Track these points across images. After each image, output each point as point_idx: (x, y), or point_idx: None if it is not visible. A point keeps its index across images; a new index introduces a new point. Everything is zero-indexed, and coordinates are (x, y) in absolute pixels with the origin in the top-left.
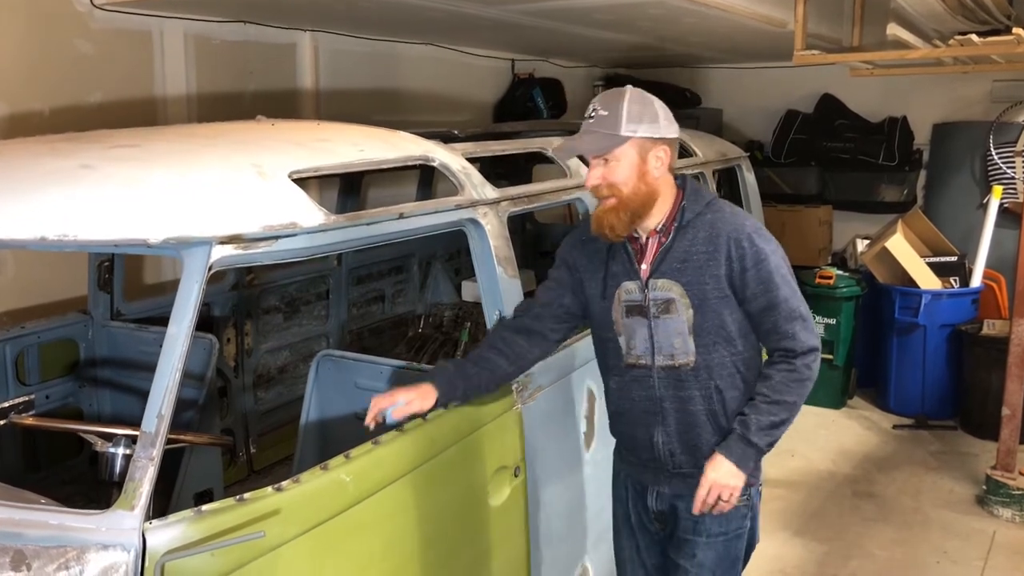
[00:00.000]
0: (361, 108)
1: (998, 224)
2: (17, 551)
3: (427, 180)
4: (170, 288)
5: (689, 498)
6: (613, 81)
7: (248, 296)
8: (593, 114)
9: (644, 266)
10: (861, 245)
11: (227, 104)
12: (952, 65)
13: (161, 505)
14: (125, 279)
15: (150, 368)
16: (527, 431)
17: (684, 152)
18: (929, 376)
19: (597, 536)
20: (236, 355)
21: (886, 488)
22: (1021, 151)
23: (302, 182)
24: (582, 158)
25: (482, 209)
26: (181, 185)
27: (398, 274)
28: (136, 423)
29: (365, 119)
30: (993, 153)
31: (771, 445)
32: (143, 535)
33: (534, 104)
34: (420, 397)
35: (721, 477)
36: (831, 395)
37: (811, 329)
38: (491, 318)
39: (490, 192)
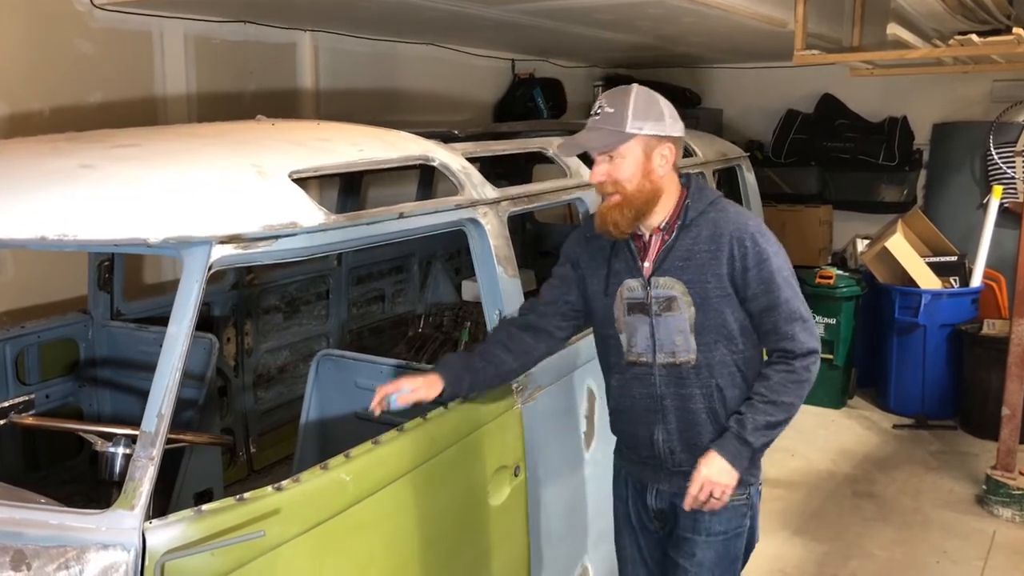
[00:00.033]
0: (361, 108)
1: (998, 224)
2: (17, 551)
3: (427, 180)
4: (170, 288)
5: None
6: (613, 81)
7: (248, 296)
8: (599, 111)
9: (647, 264)
10: (861, 245)
11: (227, 104)
12: (952, 65)
13: (161, 505)
14: (125, 279)
15: (150, 368)
16: (527, 431)
17: (684, 152)
18: (929, 376)
19: (597, 536)
20: (236, 355)
21: (886, 488)
22: (1021, 151)
23: (302, 182)
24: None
25: (482, 209)
26: (181, 185)
27: (398, 274)
28: (136, 423)
29: (365, 119)
30: (993, 153)
31: (766, 445)
32: (143, 535)
33: (534, 104)
34: (426, 386)
35: (714, 474)
36: (831, 395)
37: (811, 331)
38: (491, 318)
39: (490, 192)
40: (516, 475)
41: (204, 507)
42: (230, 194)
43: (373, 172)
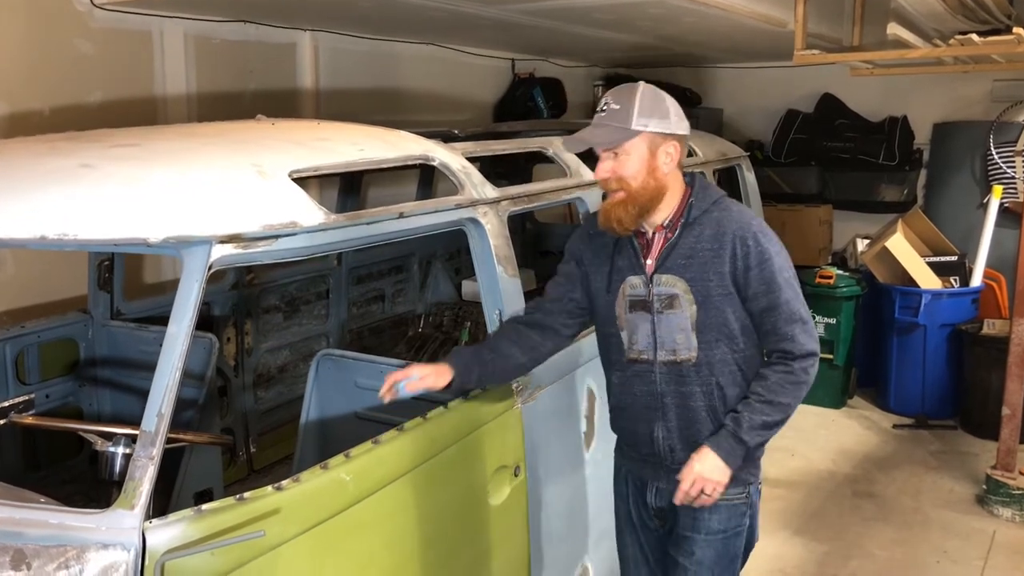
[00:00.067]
0: (361, 107)
1: (998, 224)
2: (17, 550)
3: (427, 180)
4: (170, 287)
5: None
6: (613, 81)
7: (248, 295)
8: (605, 107)
9: (649, 261)
10: (861, 245)
11: (227, 103)
12: (952, 65)
13: (161, 504)
14: (125, 278)
15: (150, 367)
16: (527, 430)
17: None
18: (929, 376)
19: (598, 535)
20: (236, 354)
21: (886, 488)
22: (1021, 151)
23: (302, 181)
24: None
25: (482, 208)
26: (181, 184)
27: (398, 273)
28: (136, 422)
29: (365, 118)
30: (993, 153)
31: (761, 445)
32: (143, 534)
33: (534, 104)
34: (435, 374)
35: (707, 471)
36: (831, 395)
37: (811, 333)
38: (491, 318)
39: (490, 191)
40: (516, 475)
41: (204, 507)
42: (230, 194)
43: (373, 172)
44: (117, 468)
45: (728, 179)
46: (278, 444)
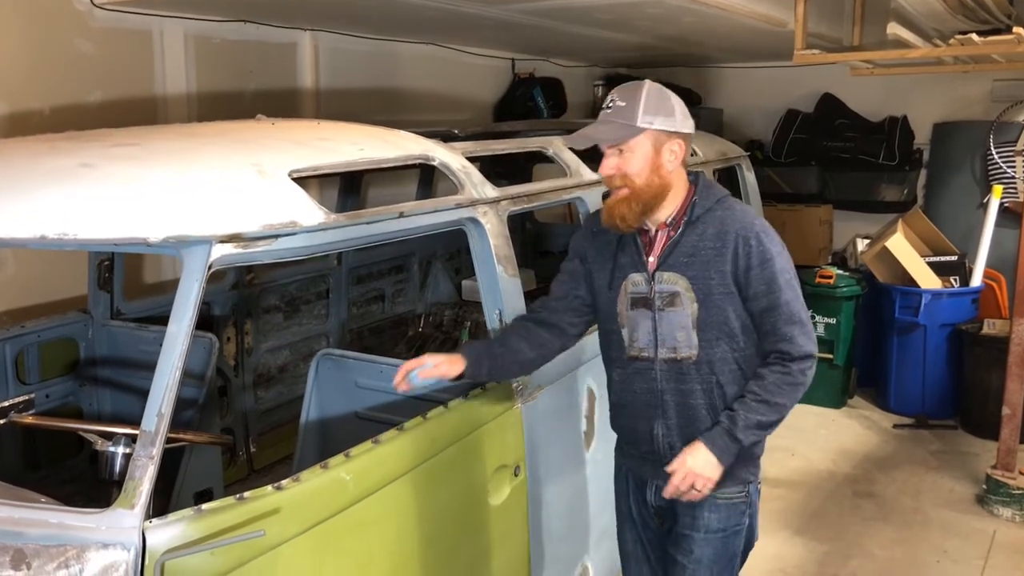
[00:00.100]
0: (361, 107)
1: (998, 223)
2: (17, 550)
3: (427, 179)
4: (170, 287)
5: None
6: (613, 80)
7: (248, 295)
8: (611, 104)
9: (651, 259)
10: (861, 244)
11: (227, 103)
12: (952, 64)
13: (161, 504)
14: (125, 278)
15: (150, 367)
16: (527, 430)
17: None
18: (929, 375)
19: (598, 535)
20: (236, 354)
21: (886, 488)
22: (1021, 150)
23: (302, 181)
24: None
25: (482, 208)
26: (181, 184)
27: (398, 273)
28: (136, 422)
29: (365, 118)
30: (993, 152)
31: (755, 444)
32: (143, 534)
33: (534, 104)
34: (447, 363)
35: (698, 466)
36: (831, 394)
37: (809, 335)
38: (491, 317)
39: (490, 191)
40: (516, 474)
41: (204, 506)
42: (230, 193)
43: (373, 171)
44: (117, 468)
45: (728, 179)
46: (278, 444)
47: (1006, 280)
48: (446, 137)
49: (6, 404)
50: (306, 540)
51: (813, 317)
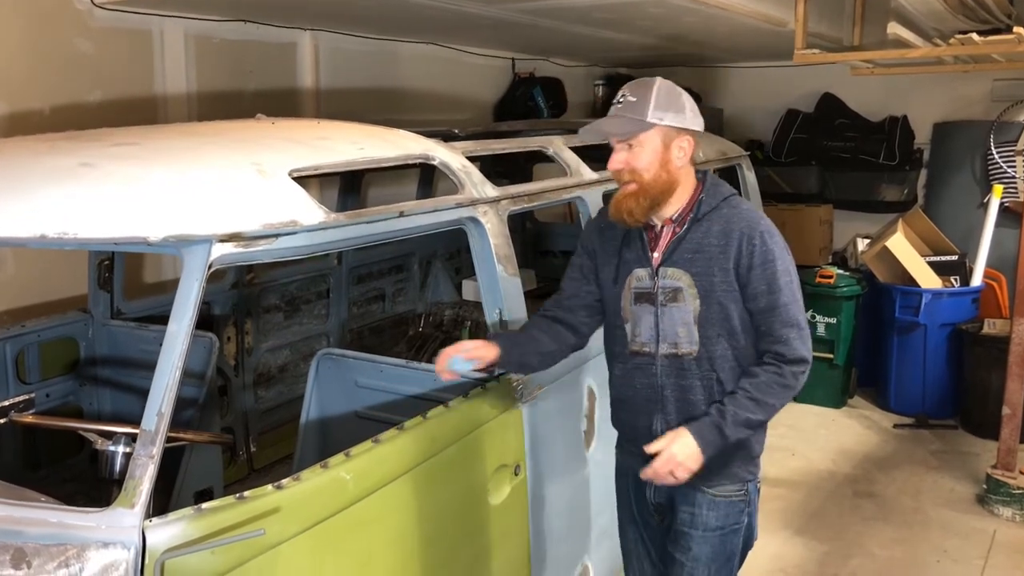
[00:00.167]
0: (361, 107)
1: (999, 223)
2: (17, 549)
3: (427, 179)
4: (170, 287)
5: (686, 490)
6: (614, 80)
7: (248, 295)
8: (621, 99)
9: (656, 254)
10: (862, 244)
11: (227, 103)
12: (953, 64)
13: (161, 503)
14: (125, 278)
15: (150, 366)
16: (527, 429)
17: None
18: (929, 375)
19: (598, 534)
20: (236, 354)
21: (886, 487)
22: (1022, 150)
23: (302, 180)
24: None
25: (482, 208)
26: (181, 183)
27: (398, 273)
28: (136, 421)
29: (365, 118)
30: (994, 152)
31: (739, 441)
32: (143, 533)
33: (534, 103)
34: (485, 346)
35: (681, 454)
36: (831, 394)
37: (805, 340)
38: (491, 317)
39: (490, 191)
40: (516, 474)
41: (204, 505)
42: (230, 192)
43: (373, 171)
44: (117, 467)
45: (728, 179)
46: (278, 443)
47: (1006, 280)
48: (446, 137)
49: (6, 403)
50: (306, 539)
51: (813, 317)
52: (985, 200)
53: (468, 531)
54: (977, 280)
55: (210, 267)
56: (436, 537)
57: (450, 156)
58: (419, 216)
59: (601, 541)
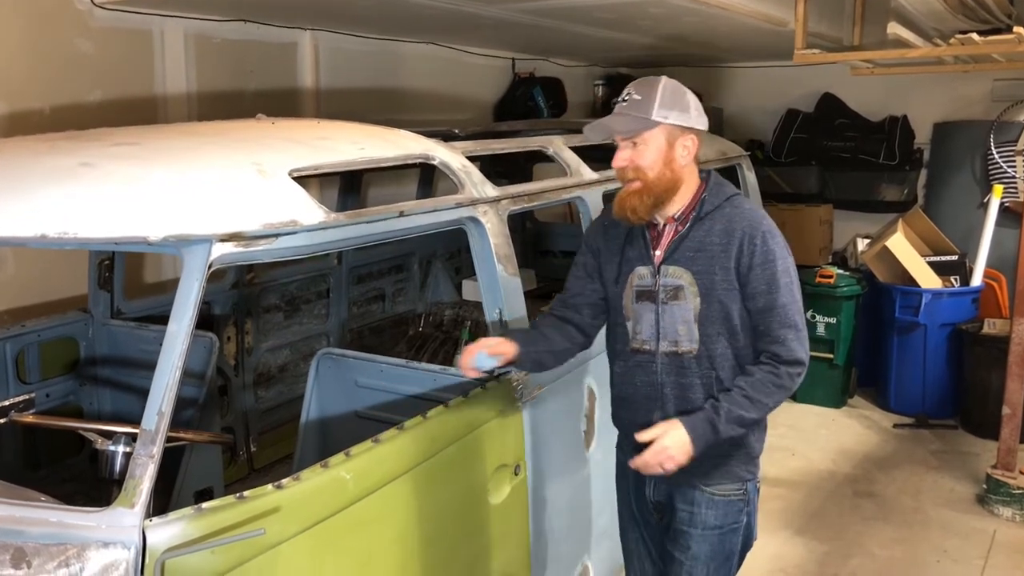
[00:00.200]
0: (361, 107)
1: (999, 223)
2: (17, 548)
3: (427, 179)
4: (170, 287)
5: (685, 489)
6: (614, 80)
7: (248, 294)
8: (626, 97)
9: (658, 252)
10: (862, 244)
11: (227, 103)
12: (953, 64)
13: (161, 503)
14: (125, 277)
15: (150, 366)
16: (527, 429)
17: None
18: (929, 375)
19: (598, 534)
20: (236, 353)
21: (886, 487)
22: (1022, 150)
23: (302, 180)
24: (587, 155)
25: (482, 207)
26: (181, 183)
27: (398, 273)
28: (136, 421)
29: (365, 118)
30: (994, 152)
31: (730, 438)
32: (143, 532)
33: (535, 103)
34: (506, 342)
35: (672, 447)
36: (831, 394)
37: (802, 341)
38: (492, 317)
39: (490, 191)
40: (516, 474)
41: (204, 505)
42: (230, 192)
43: (373, 171)
44: (117, 467)
45: (728, 179)
46: (278, 443)
47: (1006, 280)
48: (446, 136)
49: (6, 403)
50: (306, 539)
51: (813, 317)
52: (985, 200)
53: (468, 531)
54: (977, 280)
55: (210, 267)
56: (436, 537)
57: (450, 156)
58: (419, 216)
59: (601, 541)
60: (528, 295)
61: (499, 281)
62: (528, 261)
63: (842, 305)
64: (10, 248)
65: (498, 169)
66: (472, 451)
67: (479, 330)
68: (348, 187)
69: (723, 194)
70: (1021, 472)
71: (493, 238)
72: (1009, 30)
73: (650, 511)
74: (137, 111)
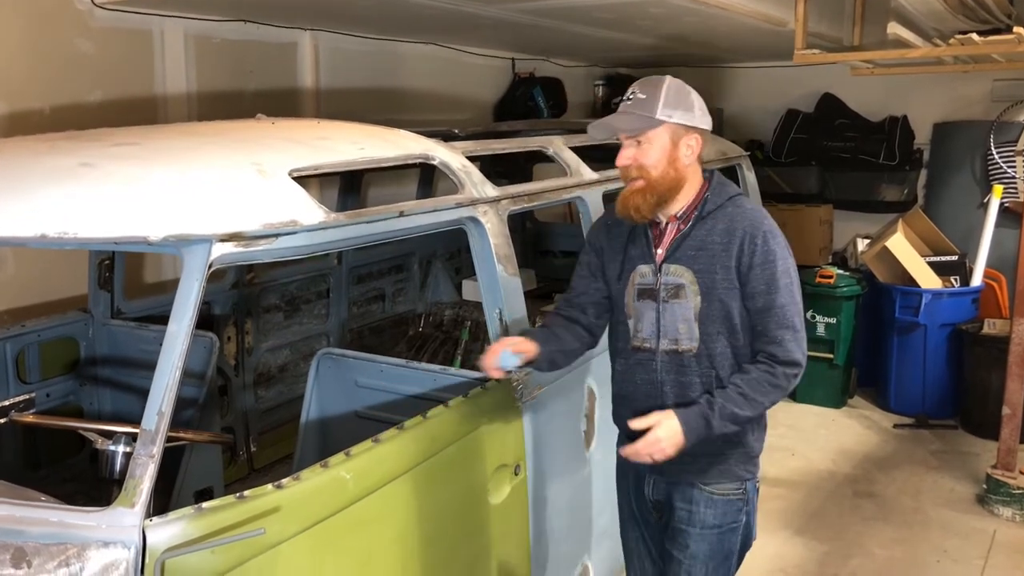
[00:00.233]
0: (361, 107)
1: (999, 223)
2: (18, 548)
3: (427, 179)
4: (170, 287)
5: (684, 488)
6: (614, 80)
7: (248, 294)
8: (631, 96)
9: (660, 251)
10: (862, 244)
11: (227, 103)
12: (953, 64)
13: (161, 503)
14: (125, 277)
15: (150, 366)
16: (527, 429)
17: None
18: (929, 375)
19: (598, 534)
20: (236, 353)
21: (886, 487)
22: (1022, 150)
23: (302, 180)
24: (587, 155)
25: (482, 207)
26: (181, 183)
27: (398, 273)
28: (136, 421)
29: (365, 118)
30: (994, 152)
31: (727, 436)
32: (143, 532)
33: (534, 103)
34: (526, 341)
35: (665, 440)
36: (831, 394)
37: (800, 343)
38: (492, 317)
39: (490, 191)
40: (516, 474)
41: (204, 505)
42: (230, 192)
43: (373, 171)
44: (117, 466)
45: (728, 179)
46: (278, 443)
47: (1006, 280)
48: (446, 136)
49: (7, 403)
50: (306, 539)
51: (813, 317)
52: (985, 200)
53: (468, 531)
54: (977, 280)
55: (210, 267)
56: (436, 537)
57: (450, 156)
58: (419, 216)
59: (601, 541)
60: (528, 295)
61: (499, 281)
62: (528, 261)
63: (842, 305)
64: (10, 248)
65: (498, 169)
66: (472, 451)
67: (479, 330)
68: (348, 187)
69: (725, 194)
70: (1021, 472)
71: (493, 238)
72: (1009, 30)
73: (650, 510)
74: (137, 111)
